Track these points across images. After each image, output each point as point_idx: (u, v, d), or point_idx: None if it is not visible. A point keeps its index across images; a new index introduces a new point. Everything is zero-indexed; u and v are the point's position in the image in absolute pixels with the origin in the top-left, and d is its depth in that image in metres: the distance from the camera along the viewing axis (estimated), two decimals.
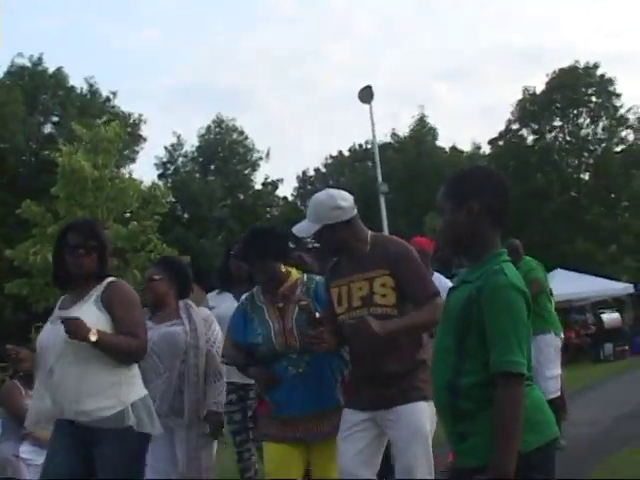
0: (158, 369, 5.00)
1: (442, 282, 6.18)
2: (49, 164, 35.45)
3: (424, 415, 4.18)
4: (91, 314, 4.13)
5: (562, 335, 8.50)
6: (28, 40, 64.22)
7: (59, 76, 39.68)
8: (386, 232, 21.20)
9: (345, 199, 4.37)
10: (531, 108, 40.25)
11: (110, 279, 4.34)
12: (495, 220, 2.91)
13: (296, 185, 50.56)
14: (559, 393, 8.09)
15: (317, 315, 4.41)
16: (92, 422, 4.08)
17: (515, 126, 41.18)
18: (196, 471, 5.07)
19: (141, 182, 15.47)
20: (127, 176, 17.72)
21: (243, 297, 4.96)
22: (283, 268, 4.73)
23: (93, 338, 3.96)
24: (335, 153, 49.62)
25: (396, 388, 4.21)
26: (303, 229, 4.44)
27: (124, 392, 4.17)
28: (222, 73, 78.43)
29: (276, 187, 47.22)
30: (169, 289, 5.36)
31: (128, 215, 15.16)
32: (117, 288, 4.31)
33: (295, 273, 4.82)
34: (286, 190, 66.65)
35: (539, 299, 7.91)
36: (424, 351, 4.29)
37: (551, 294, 8.52)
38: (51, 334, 4.15)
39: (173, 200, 15.11)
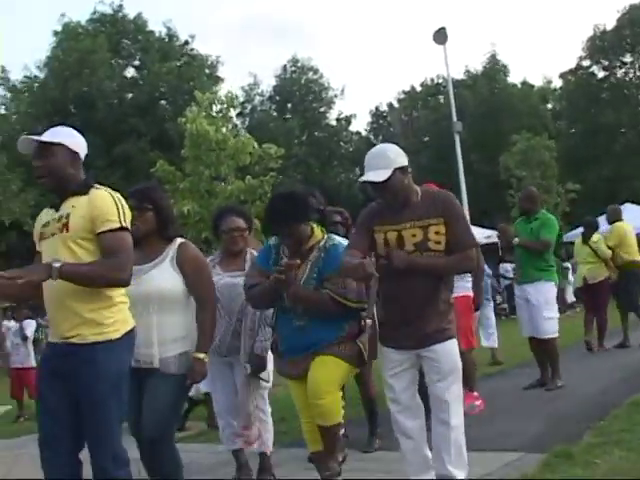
0: (219, 313, 5.11)
1: None
2: (134, 108, 37.04)
3: (456, 352, 4.58)
4: (168, 275, 4.43)
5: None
6: None
7: (139, 21, 40.73)
8: (461, 168, 22.03)
9: None
10: (601, 44, 40.14)
11: (180, 240, 4.56)
12: None
13: (369, 120, 51.33)
14: (557, 335, 8.64)
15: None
16: (164, 367, 4.36)
17: (586, 63, 41.15)
18: (248, 397, 5.46)
19: (254, 140, 17.00)
20: (242, 134, 19.29)
21: (273, 239, 5.03)
22: (307, 226, 4.83)
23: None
24: (407, 88, 49.92)
25: (431, 328, 4.44)
26: (378, 175, 4.35)
27: (192, 341, 4.44)
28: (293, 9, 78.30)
29: (349, 123, 47.73)
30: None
31: (245, 171, 16.64)
32: (187, 250, 4.53)
33: (318, 233, 4.90)
34: (359, 125, 66.99)
35: (545, 254, 8.65)
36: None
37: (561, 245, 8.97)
38: (132, 287, 4.10)
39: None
